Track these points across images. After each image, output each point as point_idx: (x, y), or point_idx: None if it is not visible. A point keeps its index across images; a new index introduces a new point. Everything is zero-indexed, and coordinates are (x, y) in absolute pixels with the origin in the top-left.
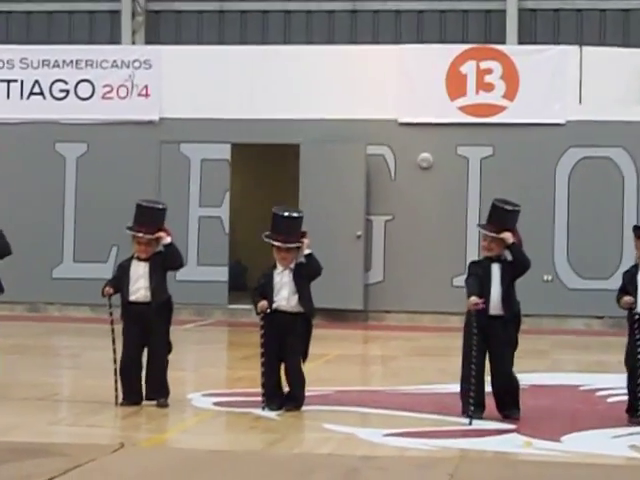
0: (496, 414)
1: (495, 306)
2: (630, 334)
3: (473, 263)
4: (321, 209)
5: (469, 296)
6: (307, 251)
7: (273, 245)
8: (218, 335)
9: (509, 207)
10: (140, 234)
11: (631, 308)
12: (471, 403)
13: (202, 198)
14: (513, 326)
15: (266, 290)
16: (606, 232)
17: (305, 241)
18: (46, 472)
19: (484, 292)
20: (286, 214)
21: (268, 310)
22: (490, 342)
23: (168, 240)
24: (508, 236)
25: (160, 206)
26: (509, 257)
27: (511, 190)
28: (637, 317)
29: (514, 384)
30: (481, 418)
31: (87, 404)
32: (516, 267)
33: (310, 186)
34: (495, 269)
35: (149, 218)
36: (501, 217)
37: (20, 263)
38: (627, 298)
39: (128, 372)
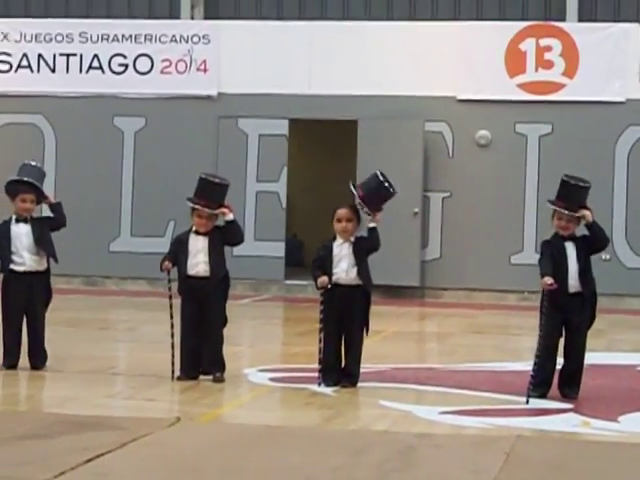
0: (555, 393)
1: (574, 284)
2: None
3: (546, 242)
4: None
5: (543, 276)
6: (372, 224)
7: (335, 213)
8: (274, 311)
9: (582, 184)
10: (203, 207)
11: None
12: (532, 382)
13: (259, 173)
14: (591, 304)
15: (325, 262)
16: None
17: (378, 214)
18: (103, 445)
19: (562, 271)
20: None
21: (329, 286)
22: (569, 320)
23: (231, 217)
24: (589, 215)
25: (224, 182)
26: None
27: (570, 168)
28: None
29: (582, 363)
30: (539, 397)
31: (144, 378)
32: (595, 244)
33: (368, 162)
34: (570, 248)
35: (211, 193)
36: (575, 194)
37: (78, 236)
38: None
39: (185, 346)
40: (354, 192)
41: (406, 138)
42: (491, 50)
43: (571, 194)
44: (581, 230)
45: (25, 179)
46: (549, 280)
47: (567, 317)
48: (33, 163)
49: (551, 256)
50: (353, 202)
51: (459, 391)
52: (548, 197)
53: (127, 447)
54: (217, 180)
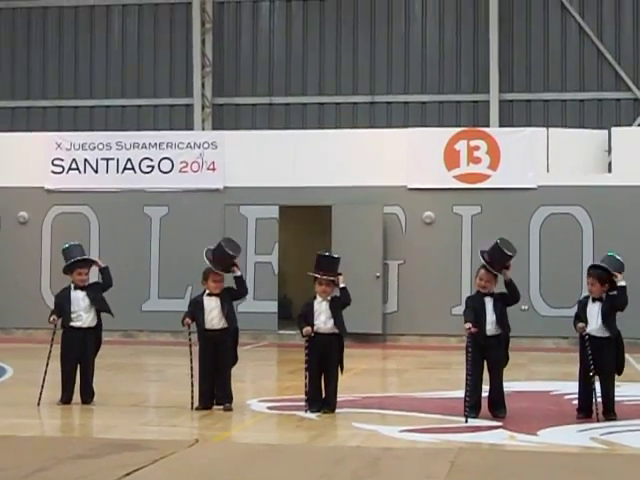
0: (487, 414)
1: (490, 329)
2: (581, 352)
3: (469, 298)
4: (349, 255)
5: (465, 322)
6: (342, 285)
7: (316, 278)
8: (270, 354)
9: (508, 252)
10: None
11: (582, 331)
12: (467, 406)
13: (257, 248)
14: (505, 345)
15: (308, 316)
16: (568, 271)
17: (340, 277)
18: (138, 462)
19: (481, 319)
20: (327, 254)
21: (312, 334)
22: (488, 357)
23: (239, 273)
24: (508, 273)
25: (232, 252)
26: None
27: (494, 239)
28: (587, 337)
29: (502, 390)
30: (475, 417)
31: (169, 409)
32: (510, 299)
33: (340, 237)
34: (488, 301)
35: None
36: (501, 258)
37: (117, 298)
38: (580, 325)
39: (202, 383)
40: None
41: (369, 219)
42: (433, 149)
43: (498, 256)
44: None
45: (78, 258)
46: (468, 325)
47: (486, 354)
48: (74, 243)
49: (472, 308)
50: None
51: (414, 414)
52: (480, 262)
53: (157, 463)
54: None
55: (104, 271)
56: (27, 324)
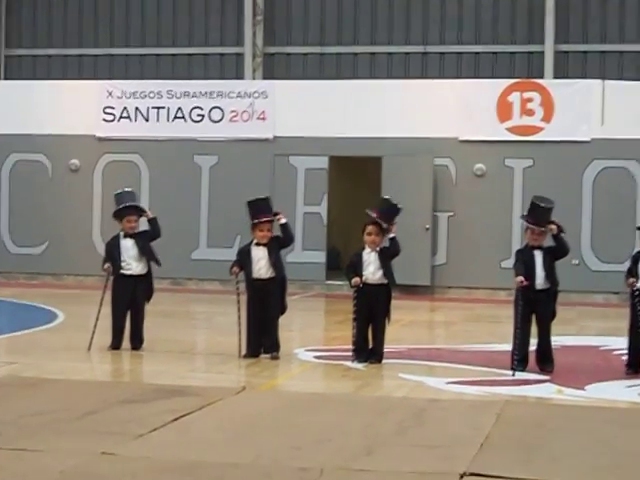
0: (535, 368)
1: (540, 283)
2: (632, 307)
3: (519, 251)
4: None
5: (516, 276)
6: (392, 235)
7: (364, 229)
8: (318, 304)
9: (546, 205)
10: (263, 219)
11: (633, 286)
12: (515, 359)
13: (306, 198)
14: (553, 299)
15: (357, 266)
16: (621, 226)
17: (393, 227)
18: (186, 408)
19: (531, 273)
20: (386, 197)
21: (361, 284)
22: (537, 311)
23: (284, 220)
24: (554, 228)
25: (265, 196)
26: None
27: (547, 193)
28: (637, 293)
29: (550, 344)
30: (522, 371)
31: (217, 356)
32: (559, 252)
33: (390, 189)
34: (538, 255)
35: (263, 207)
36: (542, 213)
37: (166, 247)
38: (630, 280)
39: (250, 332)
40: (371, 213)
41: (420, 170)
42: (486, 101)
43: (539, 213)
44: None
45: (128, 204)
46: (520, 278)
47: (535, 308)
48: (127, 189)
49: (523, 261)
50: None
51: (461, 366)
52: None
53: (204, 409)
54: (262, 196)
55: (152, 222)
56: (78, 271)
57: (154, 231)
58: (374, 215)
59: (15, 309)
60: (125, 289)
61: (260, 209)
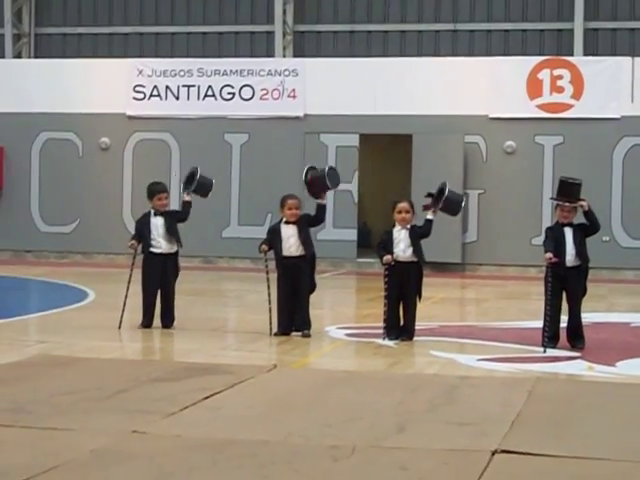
0: (566, 345)
1: (571, 260)
2: None
3: (549, 228)
4: (428, 184)
5: (546, 253)
6: (430, 216)
7: (394, 207)
8: (349, 282)
9: (575, 181)
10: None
11: None
12: (546, 336)
13: None
14: (584, 276)
15: (387, 244)
16: None
17: (431, 209)
18: (217, 386)
19: (561, 250)
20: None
21: (392, 262)
22: (567, 288)
23: (324, 202)
24: (585, 204)
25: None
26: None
27: (578, 170)
28: None
29: (580, 321)
30: (553, 348)
31: (248, 334)
32: (590, 228)
33: (421, 167)
34: (568, 232)
35: (570, 191)
36: (571, 190)
37: (197, 225)
38: None
39: (281, 309)
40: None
41: (450, 148)
42: (515, 79)
43: (568, 190)
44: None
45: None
46: (549, 255)
47: (565, 285)
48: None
49: (553, 238)
50: (409, 199)
51: (492, 343)
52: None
53: (236, 387)
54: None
55: (186, 204)
56: (108, 249)
57: (184, 213)
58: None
59: (45, 288)
60: (155, 267)
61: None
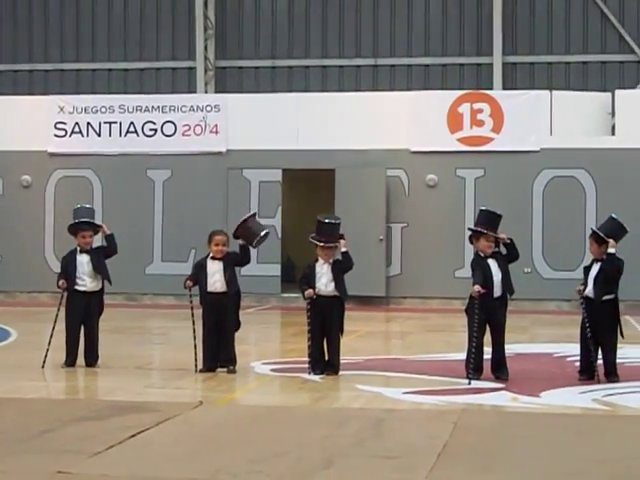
0: (490, 376)
1: (497, 291)
2: (582, 314)
3: (475, 260)
4: (352, 218)
5: (475, 285)
6: (344, 249)
7: (317, 245)
8: (273, 317)
9: (497, 212)
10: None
11: (581, 294)
12: (470, 368)
13: (260, 211)
14: (506, 306)
15: (310, 279)
16: (571, 234)
17: (342, 242)
18: (143, 424)
19: (489, 282)
20: (327, 220)
21: (314, 296)
22: (491, 319)
23: (242, 242)
24: (504, 236)
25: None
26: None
27: (499, 203)
28: (582, 300)
29: (504, 352)
30: (478, 379)
31: (173, 371)
32: (511, 257)
33: (343, 201)
34: (492, 263)
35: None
36: (493, 222)
37: (120, 262)
38: (578, 287)
39: (206, 346)
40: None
41: (372, 182)
42: (436, 112)
43: (491, 221)
44: None
45: (83, 220)
46: (478, 287)
47: (490, 317)
48: (86, 205)
49: (481, 270)
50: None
51: (417, 376)
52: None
53: (162, 425)
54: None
55: (109, 238)
56: (31, 287)
57: (110, 247)
58: (318, 243)
59: None
60: (79, 305)
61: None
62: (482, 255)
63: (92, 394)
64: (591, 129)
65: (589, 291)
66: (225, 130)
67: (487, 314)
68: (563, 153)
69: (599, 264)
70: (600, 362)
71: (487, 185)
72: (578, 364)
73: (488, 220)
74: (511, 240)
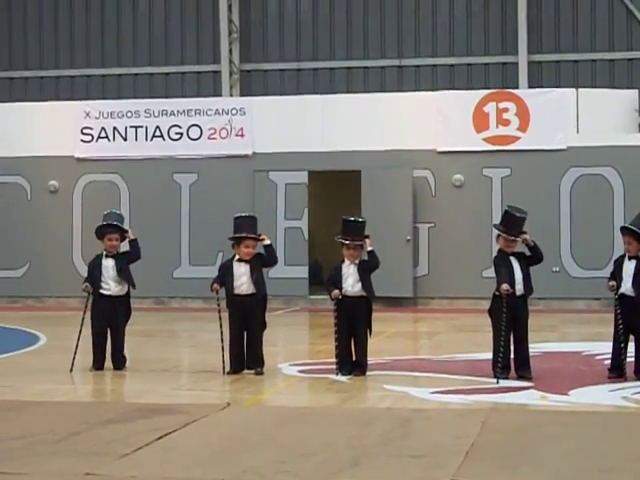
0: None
1: (520, 289)
2: (615, 310)
3: (497, 258)
4: (379, 219)
5: (501, 284)
6: (369, 248)
7: (343, 244)
8: (301, 319)
9: (520, 214)
10: (245, 234)
11: (613, 289)
12: (499, 367)
13: (286, 213)
14: (527, 304)
15: (336, 279)
16: (599, 232)
17: (367, 241)
18: (170, 426)
19: (511, 279)
20: (352, 219)
21: (340, 297)
22: (516, 317)
23: (268, 241)
24: (528, 238)
25: (253, 214)
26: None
27: (525, 202)
28: (616, 297)
29: (529, 350)
30: (506, 378)
31: (201, 373)
32: (533, 259)
33: (370, 202)
34: (514, 261)
35: (249, 224)
36: (516, 222)
37: (148, 266)
38: (610, 283)
39: (233, 348)
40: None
41: (398, 182)
42: (462, 112)
43: (512, 222)
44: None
45: (110, 222)
46: (507, 286)
47: (515, 314)
48: (117, 211)
49: (506, 267)
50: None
51: (445, 376)
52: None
53: (189, 427)
54: (248, 214)
55: (133, 243)
56: (59, 292)
57: (134, 253)
58: (344, 241)
59: None
60: (104, 309)
61: (245, 226)
62: (505, 252)
63: (120, 397)
64: (618, 126)
65: (627, 289)
66: (251, 133)
67: (512, 312)
68: (590, 151)
69: (634, 261)
70: (630, 360)
71: (514, 184)
72: (607, 362)
73: (509, 221)
74: (534, 243)
